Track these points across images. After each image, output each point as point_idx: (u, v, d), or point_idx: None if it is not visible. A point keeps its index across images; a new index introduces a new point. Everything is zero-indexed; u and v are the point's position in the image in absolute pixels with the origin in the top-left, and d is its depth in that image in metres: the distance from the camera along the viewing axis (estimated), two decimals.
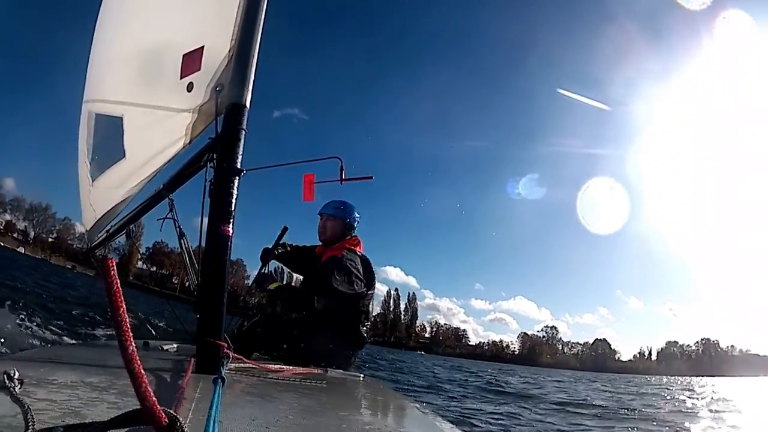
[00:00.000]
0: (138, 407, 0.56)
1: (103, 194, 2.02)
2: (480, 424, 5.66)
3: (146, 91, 1.84)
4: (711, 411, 10.33)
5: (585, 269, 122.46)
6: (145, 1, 1.96)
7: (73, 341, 5.40)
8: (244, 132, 1.57)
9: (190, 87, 1.69)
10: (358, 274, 2.46)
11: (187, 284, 2.07)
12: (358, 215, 2.72)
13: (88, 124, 2.16)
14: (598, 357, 76.87)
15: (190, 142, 1.77)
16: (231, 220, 1.49)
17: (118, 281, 0.53)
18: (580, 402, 10.13)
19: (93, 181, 2.07)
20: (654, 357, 78.37)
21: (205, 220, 1.51)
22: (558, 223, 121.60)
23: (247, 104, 1.60)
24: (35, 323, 6.00)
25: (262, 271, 2.60)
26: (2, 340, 4.37)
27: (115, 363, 1.26)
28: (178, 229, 1.83)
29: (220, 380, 0.91)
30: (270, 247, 2.66)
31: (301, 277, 2.97)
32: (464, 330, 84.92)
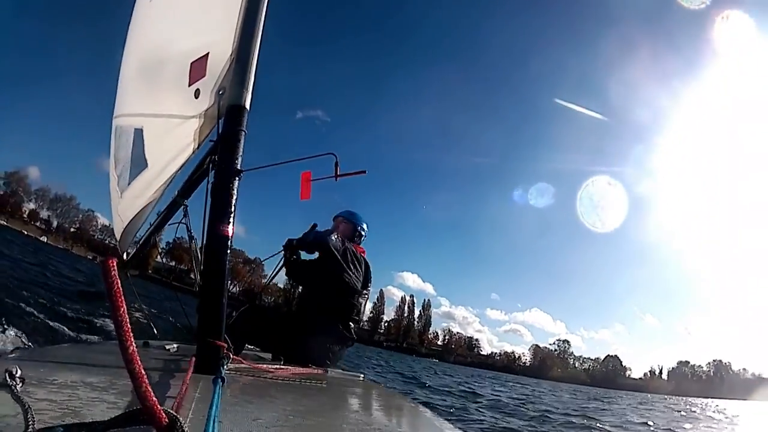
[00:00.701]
0: (138, 407, 0.56)
1: (129, 204, 2.13)
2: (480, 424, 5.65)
3: (160, 101, 1.96)
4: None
5: (603, 284, 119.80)
6: (158, 17, 2.10)
7: (73, 337, 5.42)
8: (244, 133, 1.58)
9: (197, 93, 1.74)
10: (356, 261, 2.60)
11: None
12: (366, 228, 2.99)
13: (115, 138, 2.32)
14: (608, 373, 76.81)
15: (198, 147, 1.82)
16: (231, 221, 1.50)
17: (119, 281, 0.54)
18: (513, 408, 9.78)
19: (122, 193, 2.18)
20: (665, 376, 78.25)
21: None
22: (578, 237, 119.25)
23: (247, 106, 1.61)
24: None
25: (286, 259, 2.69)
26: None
27: (115, 363, 1.26)
28: (189, 233, 1.94)
29: (220, 380, 0.91)
30: (295, 238, 2.73)
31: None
32: (477, 339, 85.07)
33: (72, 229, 64.99)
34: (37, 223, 61.87)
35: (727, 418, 17.27)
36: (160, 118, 1.94)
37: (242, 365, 1.62)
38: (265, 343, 2.51)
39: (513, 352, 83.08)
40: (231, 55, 1.66)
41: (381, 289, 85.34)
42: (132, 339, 0.54)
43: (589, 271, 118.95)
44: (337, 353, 2.52)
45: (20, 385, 0.83)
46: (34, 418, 0.67)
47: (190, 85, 1.75)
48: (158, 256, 65.90)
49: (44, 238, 55.28)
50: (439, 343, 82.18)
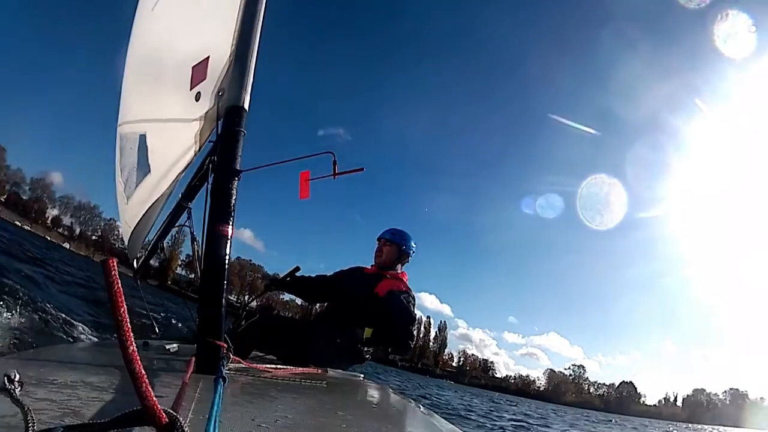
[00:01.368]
0: (138, 407, 0.56)
1: (135, 210, 2.13)
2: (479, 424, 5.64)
3: (162, 106, 1.97)
4: None
5: (622, 309, 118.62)
6: (159, 24, 2.12)
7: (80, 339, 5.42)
8: (243, 134, 1.58)
9: (198, 96, 1.74)
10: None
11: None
12: (414, 245, 2.74)
13: (120, 146, 2.33)
14: (622, 399, 76.62)
15: (199, 149, 1.83)
16: (230, 221, 1.50)
17: (119, 281, 0.54)
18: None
19: (128, 199, 2.19)
20: (679, 403, 77.84)
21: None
22: (599, 260, 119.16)
23: (246, 106, 1.62)
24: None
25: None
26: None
27: (116, 363, 1.26)
28: (191, 235, 1.95)
29: (220, 380, 0.91)
30: (278, 277, 2.71)
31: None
32: (492, 362, 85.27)
33: (94, 237, 66.39)
34: (60, 230, 63.76)
35: None
36: (163, 123, 1.95)
37: (242, 365, 1.62)
38: (272, 349, 2.44)
39: (528, 376, 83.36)
40: (230, 56, 1.66)
41: None
42: (132, 339, 0.54)
43: (608, 296, 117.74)
44: (344, 361, 2.48)
45: (19, 388, 0.83)
46: (33, 419, 0.67)
47: (191, 89, 1.77)
48: (178, 268, 67.10)
49: (67, 245, 56.48)
50: (454, 364, 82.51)
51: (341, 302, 2.62)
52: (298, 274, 2.72)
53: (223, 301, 1.45)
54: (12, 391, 0.81)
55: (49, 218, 63.60)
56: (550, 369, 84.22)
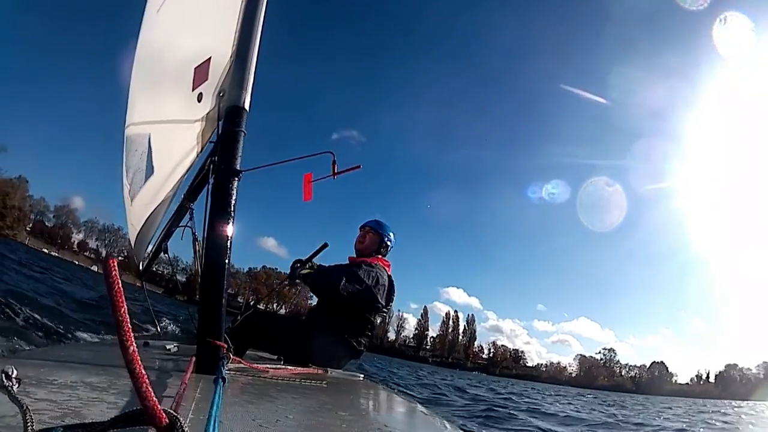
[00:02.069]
0: (138, 407, 0.56)
1: (140, 212, 2.14)
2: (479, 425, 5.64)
3: (166, 107, 1.99)
4: None
5: (651, 290, 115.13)
6: (164, 27, 2.15)
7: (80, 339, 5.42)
8: (243, 134, 1.58)
9: (200, 97, 1.76)
10: (382, 282, 2.53)
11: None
12: (393, 238, 2.87)
13: (126, 148, 2.36)
14: (654, 379, 75.71)
15: (201, 150, 1.84)
16: (231, 221, 1.50)
17: (120, 281, 0.54)
18: None
19: (132, 200, 2.21)
20: (712, 380, 76.63)
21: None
22: (624, 244, 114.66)
23: (246, 106, 1.62)
24: None
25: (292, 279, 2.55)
26: None
27: (116, 363, 1.26)
28: (193, 236, 1.97)
29: (220, 380, 0.91)
30: (303, 259, 2.60)
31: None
32: (523, 351, 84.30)
33: (120, 258, 66.72)
34: (87, 253, 65.52)
35: None
36: (166, 124, 1.97)
37: (242, 365, 1.62)
38: (268, 346, 2.48)
39: (559, 363, 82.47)
40: (230, 57, 1.67)
41: (425, 306, 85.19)
42: (132, 339, 0.54)
43: (635, 278, 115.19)
44: (342, 359, 2.49)
45: (17, 385, 0.83)
46: (32, 418, 0.67)
47: (193, 90, 1.78)
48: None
49: (95, 268, 56.97)
50: (485, 356, 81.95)
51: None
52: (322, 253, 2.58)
53: (224, 301, 1.45)
54: (9, 388, 0.80)
55: (75, 243, 66.49)
56: (581, 355, 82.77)
